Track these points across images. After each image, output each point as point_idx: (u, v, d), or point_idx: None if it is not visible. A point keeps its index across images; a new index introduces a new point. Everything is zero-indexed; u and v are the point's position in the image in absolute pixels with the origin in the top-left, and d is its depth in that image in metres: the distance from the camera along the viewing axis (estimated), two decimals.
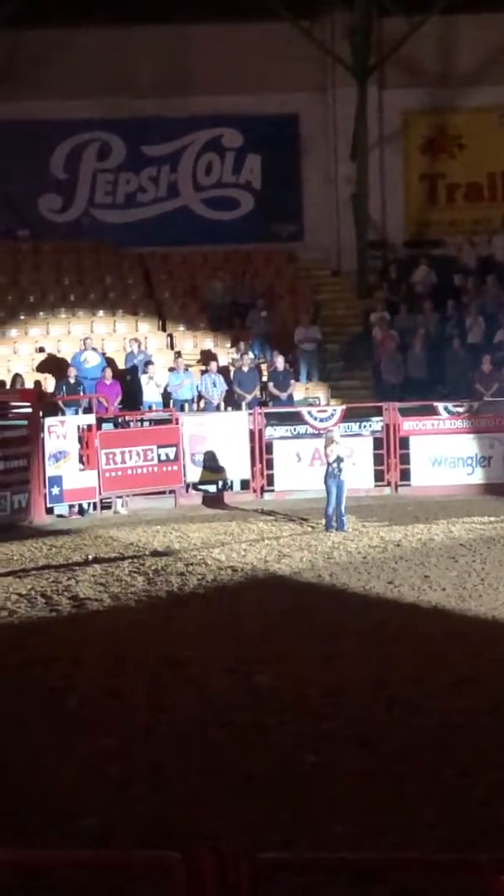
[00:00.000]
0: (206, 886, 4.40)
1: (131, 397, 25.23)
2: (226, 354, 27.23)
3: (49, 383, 25.52)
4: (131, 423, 24.04)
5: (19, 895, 6.89)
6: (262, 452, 23.73)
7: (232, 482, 24.09)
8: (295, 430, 23.92)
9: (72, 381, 24.77)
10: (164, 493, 23.60)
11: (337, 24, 30.45)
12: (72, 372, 24.93)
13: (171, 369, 25.93)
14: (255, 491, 23.84)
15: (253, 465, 23.79)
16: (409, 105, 31.70)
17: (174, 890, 4.46)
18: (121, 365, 26.24)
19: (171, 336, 28.24)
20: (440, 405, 24.11)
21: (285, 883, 6.57)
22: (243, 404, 25.17)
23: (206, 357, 26.63)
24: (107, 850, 6.61)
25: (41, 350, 27.04)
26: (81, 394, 24.72)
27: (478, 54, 30.92)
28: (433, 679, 11.29)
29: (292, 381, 26.04)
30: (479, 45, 30.95)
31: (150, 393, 25.24)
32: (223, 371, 25.96)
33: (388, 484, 23.79)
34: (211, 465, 23.70)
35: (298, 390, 26.35)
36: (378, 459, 23.65)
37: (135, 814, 8.39)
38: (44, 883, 7.00)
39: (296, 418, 24.14)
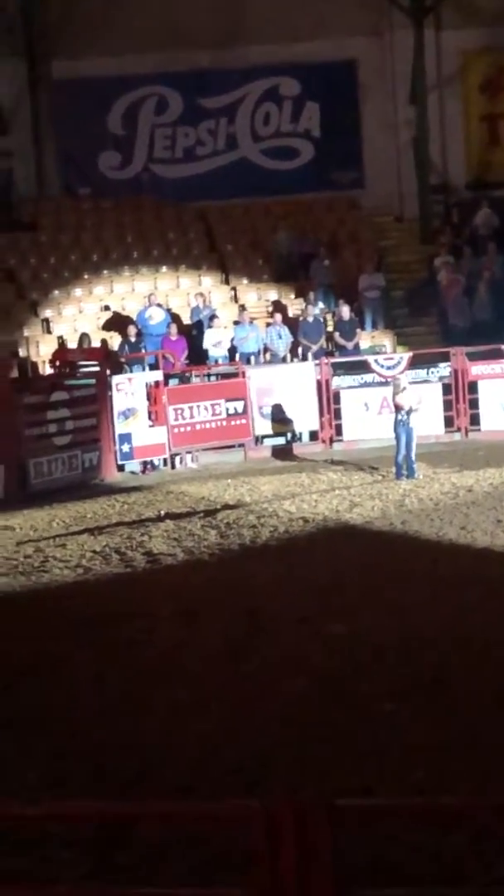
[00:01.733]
0: (286, 835, 4.44)
1: (197, 352, 25.25)
2: (290, 306, 27.15)
3: (115, 341, 25.60)
4: (198, 378, 24.07)
5: (103, 848, 7.01)
6: (329, 403, 23.67)
7: (300, 433, 24.06)
8: (362, 378, 23.82)
9: (133, 339, 24.81)
10: (233, 446, 23.63)
11: None
12: (132, 330, 24.96)
13: (236, 323, 25.91)
14: (323, 441, 23.81)
15: (321, 415, 23.74)
16: (466, 45, 31.27)
17: (254, 839, 4.51)
18: (185, 320, 26.25)
19: (234, 289, 28.19)
20: None
21: (365, 830, 6.62)
22: (309, 355, 25.10)
23: (274, 308, 26.57)
24: (187, 802, 6.68)
25: (106, 308, 27.11)
26: (145, 350, 24.78)
27: None
28: None
29: (358, 330, 25.92)
30: None
31: (216, 347, 25.24)
32: (288, 323, 25.89)
33: (458, 429, 23.66)
34: (279, 418, 23.68)
35: (364, 339, 26.23)
36: (447, 405, 23.51)
37: (214, 765, 8.47)
38: (127, 835, 7.10)
39: (363, 367, 24.04)
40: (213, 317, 25.69)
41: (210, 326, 25.42)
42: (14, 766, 8.70)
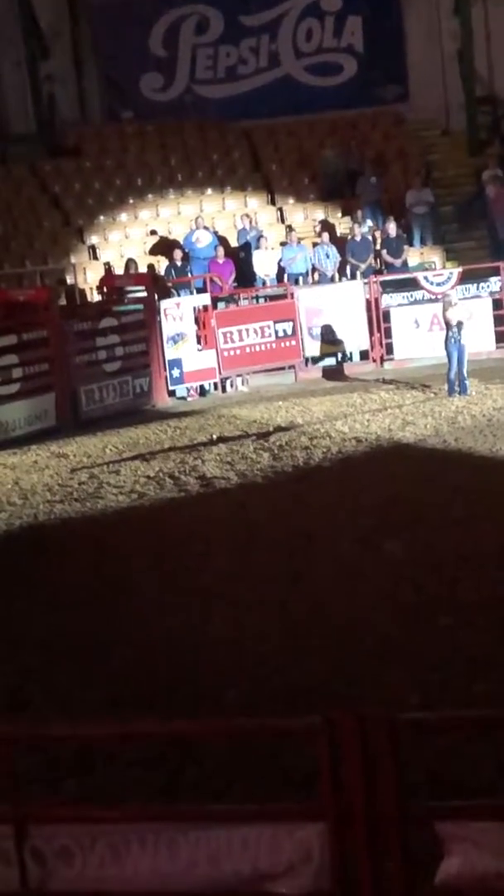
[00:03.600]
0: (348, 749, 4.49)
1: (245, 275, 25.14)
2: (337, 224, 26.93)
3: (161, 266, 25.52)
4: (246, 301, 23.98)
5: (171, 765, 7.11)
6: (379, 321, 23.54)
7: (351, 353, 23.98)
8: (412, 296, 23.66)
9: (179, 263, 24.72)
10: (283, 368, 23.60)
11: None
12: (178, 254, 24.87)
13: (283, 243, 25.75)
14: (374, 361, 23.72)
15: (371, 334, 23.63)
16: None
17: (318, 754, 4.55)
18: (233, 243, 26.12)
19: (281, 210, 27.99)
20: None
21: (427, 743, 6.68)
22: (358, 274, 24.93)
23: (321, 228, 26.37)
24: (249, 719, 6.76)
25: (153, 233, 27.02)
26: (191, 274, 24.70)
27: None
28: None
29: (406, 247, 25.68)
30: None
31: (264, 269, 25.11)
32: (336, 242, 25.69)
33: None
34: (329, 338, 23.60)
35: (413, 256, 26.00)
36: (498, 320, 23.31)
37: (277, 685, 8.55)
38: (194, 754, 7.20)
39: (412, 284, 23.86)
40: (259, 238, 25.54)
41: (257, 248, 25.28)
42: (78, 689, 8.82)
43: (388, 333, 23.58)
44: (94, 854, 4.79)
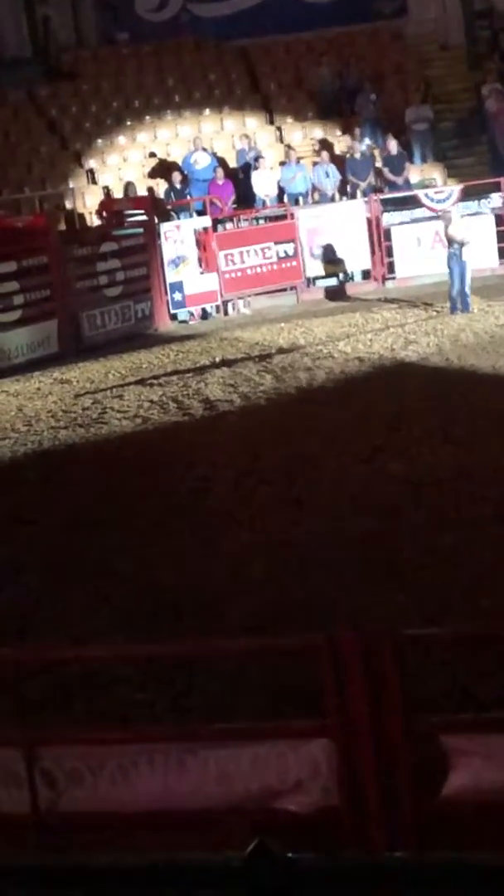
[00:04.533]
0: (352, 666, 4.52)
1: (244, 196, 24.95)
2: (337, 143, 26.68)
3: (160, 189, 25.33)
4: (246, 222, 23.82)
5: (179, 685, 7.17)
6: (381, 240, 23.38)
7: (353, 273, 23.84)
8: (413, 214, 23.48)
9: (178, 185, 24.51)
10: (285, 290, 23.48)
11: None
12: (177, 177, 24.65)
13: (283, 163, 25.52)
14: (376, 280, 23.59)
15: (373, 253, 23.48)
16: None
17: (321, 672, 4.59)
18: (232, 164, 25.89)
19: (279, 129, 27.71)
20: None
21: (433, 658, 6.73)
22: (358, 193, 24.73)
23: (320, 146, 26.12)
24: (253, 638, 6.81)
25: (152, 155, 26.79)
26: (191, 197, 24.51)
27: None
28: None
29: (407, 164, 25.45)
30: None
31: (264, 189, 24.90)
32: (336, 160, 25.46)
33: None
34: (330, 258, 23.45)
35: (414, 173, 25.76)
36: (501, 236, 23.14)
37: (281, 604, 8.59)
38: (199, 672, 7.25)
39: (413, 202, 23.67)
40: (258, 157, 25.31)
41: (256, 168, 25.07)
42: (86, 610, 8.88)
43: (389, 252, 23.42)
44: (103, 775, 4.85)
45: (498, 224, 23.12)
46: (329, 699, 4.67)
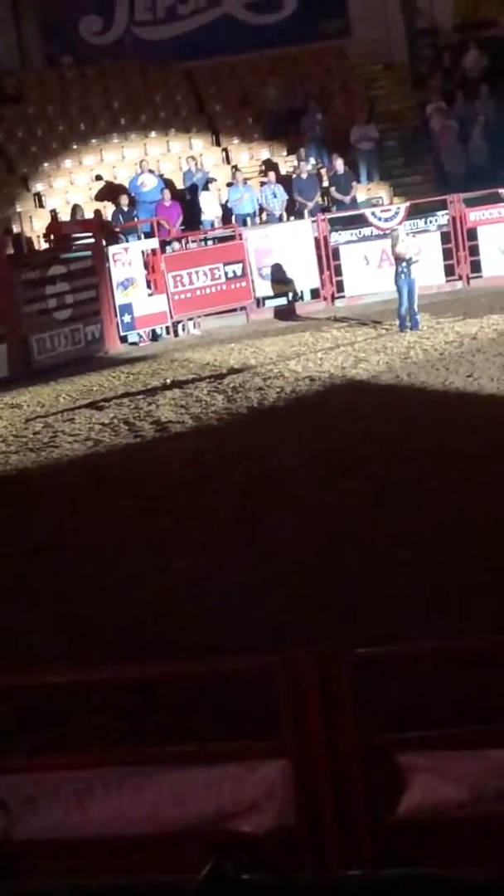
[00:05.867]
0: (307, 687, 4.52)
1: (192, 217, 24.99)
2: (283, 163, 26.78)
3: (108, 211, 25.32)
4: (195, 244, 23.84)
5: (135, 708, 7.13)
6: (329, 259, 23.48)
7: (302, 292, 23.93)
8: (360, 233, 23.59)
9: (126, 208, 24.52)
10: (234, 310, 23.52)
11: None
12: (124, 199, 24.67)
13: (230, 184, 25.59)
14: (325, 299, 23.68)
15: (321, 273, 23.57)
16: None
17: (277, 693, 4.58)
18: (179, 185, 25.93)
19: (226, 150, 27.79)
20: None
21: (392, 677, 6.74)
22: (306, 212, 24.83)
23: (267, 167, 26.21)
24: (210, 659, 6.79)
25: (98, 178, 26.78)
26: (138, 219, 24.52)
27: None
28: None
29: (353, 183, 25.60)
30: None
31: (211, 210, 24.95)
32: (282, 180, 25.56)
33: (460, 278, 23.50)
34: (279, 278, 23.52)
35: (360, 192, 25.91)
36: (447, 254, 23.32)
37: (238, 625, 8.58)
38: (157, 697, 7.23)
39: (360, 221, 23.79)
40: (207, 180, 25.37)
41: (204, 190, 25.11)
42: (42, 635, 8.83)
43: (338, 271, 23.52)
44: (58, 801, 4.81)
45: (444, 241, 23.29)
46: (284, 719, 4.66)
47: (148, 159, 26.49)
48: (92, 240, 22.80)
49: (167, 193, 24.76)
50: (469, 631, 7.87)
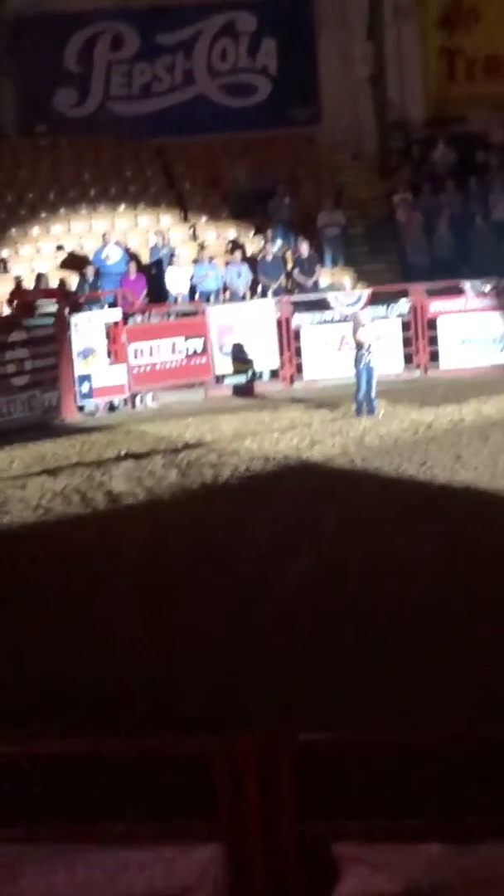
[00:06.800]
0: (246, 771, 4.48)
1: (157, 291, 25.12)
2: (249, 243, 27.02)
3: (72, 281, 25.42)
4: (158, 318, 23.94)
5: (71, 782, 7.04)
6: (290, 341, 23.64)
7: (261, 372, 24.04)
8: (322, 316, 23.79)
9: (90, 278, 24.63)
10: (193, 385, 23.59)
11: None
12: (89, 270, 24.79)
13: (196, 261, 25.77)
14: (284, 380, 23.81)
15: (281, 353, 23.72)
16: None
17: (214, 776, 4.54)
18: (145, 259, 26.09)
19: (193, 227, 28.02)
20: (467, 284, 23.90)
21: (329, 763, 6.69)
22: (269, 293, 25.02)
23: (233, 246, 26.44)
24: (148, 739, 6.73)
25: (59, 248, 26.90)
26: (102, 290, 24.63)
27: None
28: (466, 558, 11.37)
29: (318, 267, 25.84)
30: None
31: (176, 286, 25.10)
32: (248, 260, 25.78)
33: (418, 366, 23.71)
34: (239, 356, 23.65)
35: (324, 276, 26.16)
36: (406, 342, 23.54)
37: (180, 700, 8.52)
38: (92, 772, 7.14)
39: (322, 304, 24.01)
40: (172, 255, 25.55)
41: (170, 265, 25.28)
42: None
43: (298, 353, 23.68)
44: None
45: (404, 330, 23.51)
46: (221, 803, 4.62)
47: (115, 232, 26.66)
48: (55, 307, 22.85)
49: (133, 266, 24.90)
50: (413, 719, 7.84)
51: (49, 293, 23.95)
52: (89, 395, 22.40)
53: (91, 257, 25.73)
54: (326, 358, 23.36)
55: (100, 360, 22.40)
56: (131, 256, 25.74)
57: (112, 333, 22.55)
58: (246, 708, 8.27)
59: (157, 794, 6.76)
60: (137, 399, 23.02)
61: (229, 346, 23.58)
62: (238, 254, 25.66)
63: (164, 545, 12.69)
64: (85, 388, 22.28)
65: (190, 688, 8.78)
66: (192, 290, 25.25)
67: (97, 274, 24.97)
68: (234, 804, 4.53)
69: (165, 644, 9.72)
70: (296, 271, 25.62)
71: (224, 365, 23.67)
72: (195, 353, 23.24)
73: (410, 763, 6.78)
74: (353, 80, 30.93)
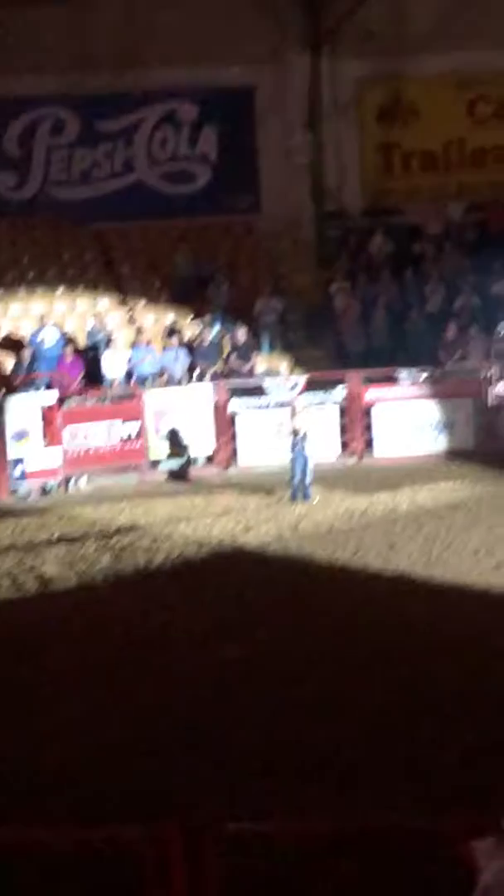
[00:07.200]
0: (173, 861, 4.39)
1: (94, 375, 25.09)
2: (187, 328, 27.11)
3: (8, 363, 25.34)
4: (93, 401, 23.89)
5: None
6: (226, 426, 23.66)
7: (196, 457, 24.00)
8: (259, 401, 23.86)
9: (26, 360, 24.57)
10: (128, 469, 23.50)
11: None
12: (25, 352, 24.75)
13: (133, 345, 25.80)
14: (219, 464, 23.79)
15: (218, 438, 23.72)
16: (362, 73, 31.52)
17: (141, 865, 4.45)
18: (82, 342, 26.08)
19: (131, 311, 28.09)
20: (403, 372, 24.09)
21: (257, 852, 6.57)
22: (206, 378, 25.07)
23: (171, 331, 26.52)
24: (75, 828, 6.61)
25: None
26: (37, 373, 24.55)
27: (430, 21, 30.78)
28: (405, 643, 11.35)
29: (254, 353, 25.95)
30: (430, 11, 30.80)
31: (113, 369, 25.10)
32: (185, 345, 25.85)
33: (353, 453, 23.79)
34: (175, 440, 23.61)
35: (261, 362, 26.27)
36: (343, 429, 23.64)
37: (108, 788, 8.39)
38: (18, 858, 6.97)
39: (259, 390, 24.08)
40: (109, 339, 25.57)
41: (107, 348, 25.29)
42: None
43: (234, 438, 23.69)
44: None
45: (340, 416, 23.62)
46: (148, 891, 4.52)
47: (53, 315, 26.67)
48: None
49: (69, 349, 24.88)
50: (342, 808, 7.76)
51: None
52: (22, 477, 22.23)
53: (27, 340, 25.68)
54: (262, 443, 23.39)
55: (33, 443, 22.27)
56: (68, 339, 25.72)
57: (47, 416, 22.44)
58: (179, 799, 8.14)
59: (87, 884, 6.61)
60: (71, 482, 22.87)
61: (165, 430, 23.54)
62: (176, 338, 25.72)
63: (96, 631, 12.56)
64: (18, 471, 22.11)
65: (117, 775, 8.64)
66: (129, 373, 25.25)
67: (34, 356, 24.91)
68: (161, 892, 4.44)
69: (92, 730, 9.58)
70: (233, 357, 25.70)
71: (159, 449, 23.61)
72: (130, 437, 23.18)
73: (340, 853, 6.68)
74: (292, 169, 31.32)
